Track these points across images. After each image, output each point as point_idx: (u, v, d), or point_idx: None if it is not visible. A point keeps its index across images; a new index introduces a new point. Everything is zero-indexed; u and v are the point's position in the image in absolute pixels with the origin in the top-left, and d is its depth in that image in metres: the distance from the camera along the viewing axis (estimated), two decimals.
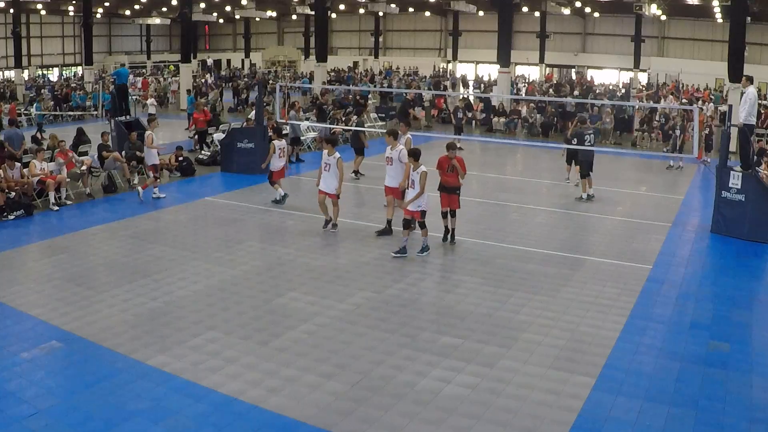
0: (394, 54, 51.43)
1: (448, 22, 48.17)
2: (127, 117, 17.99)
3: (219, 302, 8.18)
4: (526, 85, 38.04)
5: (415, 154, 9.92)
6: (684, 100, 27.43)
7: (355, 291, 8.61)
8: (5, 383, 6.16)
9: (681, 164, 18.31)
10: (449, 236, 10.69)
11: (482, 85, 39.20)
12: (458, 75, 43.81)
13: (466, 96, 28.37)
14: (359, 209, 13.16)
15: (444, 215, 10.63)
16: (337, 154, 11.06)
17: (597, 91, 32.90)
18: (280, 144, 13.10)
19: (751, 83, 12.57)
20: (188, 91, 29.37)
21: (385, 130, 13.19)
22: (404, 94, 26.68)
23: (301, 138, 19.74)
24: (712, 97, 30.77)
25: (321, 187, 11.23)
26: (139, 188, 13.55)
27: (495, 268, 9.59)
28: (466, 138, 20.60)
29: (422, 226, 9.97)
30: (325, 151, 11.19)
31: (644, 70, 40.70)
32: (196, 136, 19.97)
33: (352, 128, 17.41)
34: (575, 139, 14.10)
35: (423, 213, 9.91)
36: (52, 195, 12.67)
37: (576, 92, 32.40)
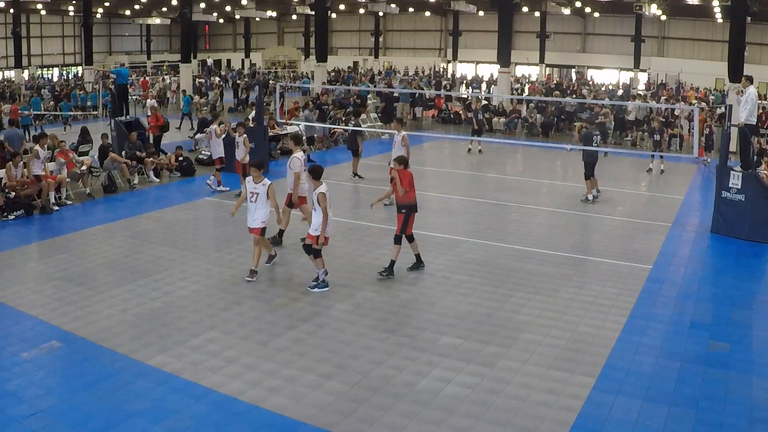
0: (394, 54, 51.44)
1: (448, 22, 48.19)
2: (127, 117, 17.98)
3: (219, 302, 8.19)
4: (528, 84, 37.99)
5: (314, 172, 8.62)
6: (694, 101, 27.42)
7: (355, 291, 8.61)
8: (5, 383, 6.16)
9: (652, 166, 17.92)
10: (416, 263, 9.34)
11: (482, 85, 39.19)
12: (458, 75, 43.83)
13: (481, 97, 28.10)
14: (358, 210, 13.15)
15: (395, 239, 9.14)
16: (267, 181, 8.97)
17: (599, 91, 32.96)
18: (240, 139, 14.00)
19: (751, 83, 12.56)
20: (183, 91, 29.32)
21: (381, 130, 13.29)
22: (375, 93, 26.53)
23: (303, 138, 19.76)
24: (712, 97, 30.81)
25: (249, 223, 9.05)
26: (209, 182, 14.39)
27: (495, 268, 9.59)
28: (465, 138, 20.54)
29: (316, 255, 8.55)
30: (250, 178, 9.04)
31: (644, 70, 40.72)
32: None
33: (352, 128, 17.39)
34: (584, 141, 13.98)
35: (317, 238, 8.46)
36: (52, 195, 12.67)
37: (585, 92, 32.26)
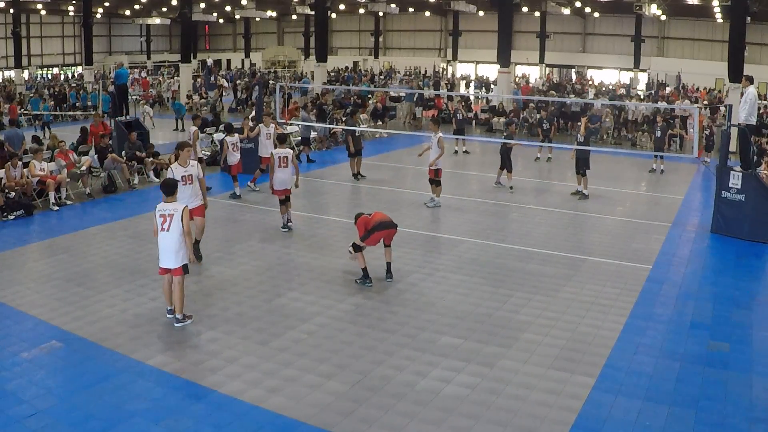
0: (394, 54, 51.40)
1: (448, 22, 48.15)
2: (127, 117, 17.98)
3: (219, 302, 8.19)
4: (522, 85, 37.87)
5: (280, 138, 11.70)
6: (704, 102, 27.37)
7: (355, 291, 8.62)
8: (5, 383, 6.16)
9: (654, 167, 17.94)
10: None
11: (483, 85, 39.16)
12: (458, 75, 43.80)
13: (465, 95, 28.21)
14: (358, 210, 13.11)
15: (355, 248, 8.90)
16: (180, 206, 7.28)
17: (601, 90, 32.99)
18: (232, 140, 13.95)
19: (751, 83, 12.56)
20: (173, 95, 29.10)
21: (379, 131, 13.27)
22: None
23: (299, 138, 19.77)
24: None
25: (163, 264, 7.27)
26: (250, 183, 14.41)
27: (495, 268, 9.59)
28: (465, 138, 20.51)
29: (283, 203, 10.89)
30: (166, 202, 7.30)
31: (644, 70, 40.71)
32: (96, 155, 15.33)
33: (343, 128, 17.31)
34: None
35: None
36: (52, 195, 12.67)
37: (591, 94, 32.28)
